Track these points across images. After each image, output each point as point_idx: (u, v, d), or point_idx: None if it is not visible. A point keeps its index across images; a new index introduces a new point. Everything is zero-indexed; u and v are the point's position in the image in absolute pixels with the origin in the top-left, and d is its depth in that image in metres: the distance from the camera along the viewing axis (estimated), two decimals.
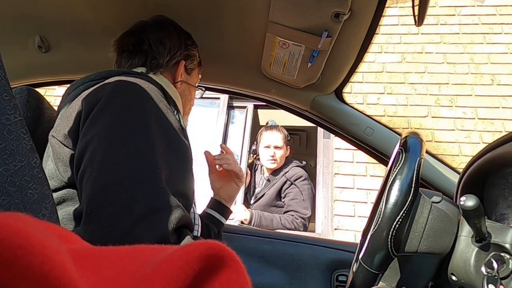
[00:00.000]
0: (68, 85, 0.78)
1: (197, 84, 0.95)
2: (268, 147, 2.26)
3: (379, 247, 0.51)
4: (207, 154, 0.96)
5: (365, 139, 1.03)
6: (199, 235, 0.78)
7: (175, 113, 0.70)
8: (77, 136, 0.60)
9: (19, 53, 1.06)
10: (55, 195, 0.61)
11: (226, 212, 0.93)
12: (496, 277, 0.45)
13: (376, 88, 2.66)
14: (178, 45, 0.84)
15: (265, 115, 3.19)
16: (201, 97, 0.99)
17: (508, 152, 0.50)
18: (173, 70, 0.84)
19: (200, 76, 0.96)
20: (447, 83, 2.58)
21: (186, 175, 0.63)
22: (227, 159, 0.94)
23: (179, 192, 0.58)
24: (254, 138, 2.63)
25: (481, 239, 0.49)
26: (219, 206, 0.92)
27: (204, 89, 0.99)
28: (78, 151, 0.58)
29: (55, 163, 0.62)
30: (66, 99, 0.73)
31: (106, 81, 0.65)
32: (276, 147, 2.24)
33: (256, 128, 2.88)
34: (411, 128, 2.49)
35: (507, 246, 0.46)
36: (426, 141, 1.21)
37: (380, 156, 1.04)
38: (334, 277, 1.03)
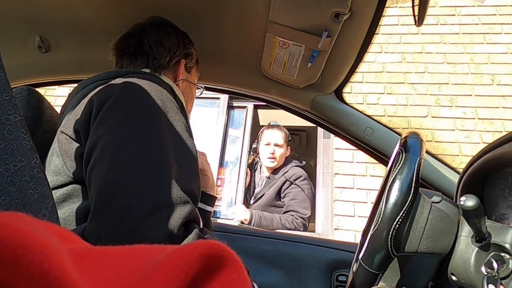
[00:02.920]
0: (68, 85, 0.79)
1: (197, 83, 0.96)
2: (268, 144, 2.26)
3: (379, 247, 0.51)
4: None
5: (365, 139, 1.03)
6: None
7: (183, 112, 0.71)
8: (87, 131, 0.61)
9: (19, 53, 1.06)
10: (61, 191, 0.61)
11: (209, 200, 0.90)
12: (496, 277, 0.44)
13: (376, 88, 2.65)
14: (177, 45, 0.85)
15: (265, 115, 3.19)
16: (201, 97, 1.00)
17: (508, 152, 0.50)
18: (174, 70, 0.86)
19: (198, 74, 0.97)
20: (447, 83, 2.58)
21: (194, 174, 0.64)
22: None
23: (187, 189, 0.58)
24: (254, 138, 2.63)
25: (481, 239, 0.49)
26: (202, 195, 0.92)
27: (203, 87, 1.00)
28: (88, 145, 0.58)
29: (62, 159, 0.63)
30: (74, 97, 0.74)
31: (117, 81, 0.66)
32: (276, 145, 2.25)
33: (256, 128, 2.88)
34: (411, 128, 2.49)
35: (507, 246, 0.46)
36: (426, 141, 1.21)
37: (380, 156, 1.04)
38: (334, 277, 1.03)
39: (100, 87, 0.66)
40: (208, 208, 0.90)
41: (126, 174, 0.53)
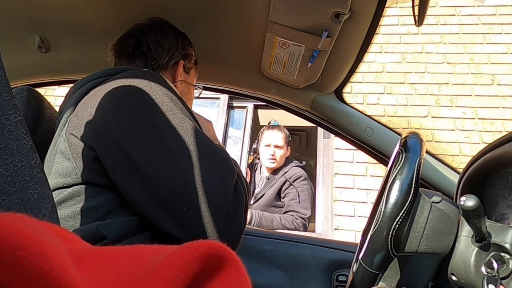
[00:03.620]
0: (68, 85, 0.78)
1: (195, 83, 0.96)
2: (268, 145, 2.26)
3: (379, 247, 0.51)
4: None
5: (365, 139, 1.03)
6: None
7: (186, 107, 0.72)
8: (107, 140, 0.60)
9: (19, 53, 1.06)
10: (68, 190, 0.61)
11: None
12: (496, 277, 0.44)
13: (376, 88, 2.65)
14: (175, 46, 0.85)
15: (265, 115, 3.19)
16: (201, 97, 1.00)
17: (508, 152, 0.50)
18: (173, 70, 0.86)
19: (197, 74, 0.97)
20: (447, 83, 2.58)
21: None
22: None
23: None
24: (254, 138, 2.63)
25: (481, 239, 0.49)
26: None
27: (202, 87, 1.00)
28: (134, 157, 0.57)
29: (75, 162, 0.62)
30: (71, 97, 0.73)
31: (124, 83, 0.65)
32: (276, 146, 2.24)
33: (256, 128, 2.88)
34: (411, 128, 2.49)
35: (507, 246, 0.46)
36: (426, 141, 1.21)
37: (380, 156, 1.04)
38: (334, 277, 1.03)
39: (107, 89, 0.65)
40: None
41: (199, 171, 0.57)
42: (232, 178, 0.60)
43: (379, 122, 1.02)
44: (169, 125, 0.60)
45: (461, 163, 2.30)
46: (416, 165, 0.52)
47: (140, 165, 0.56)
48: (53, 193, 0.60)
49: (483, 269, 0.47)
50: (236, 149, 2.74)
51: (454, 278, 0.53)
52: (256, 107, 2.92)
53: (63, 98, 0.79)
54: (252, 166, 2.57)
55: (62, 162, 0.64)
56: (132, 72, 0.69)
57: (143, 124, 0.59)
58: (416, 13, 0.66)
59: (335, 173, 2.51)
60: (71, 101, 0.72)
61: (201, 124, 0.72)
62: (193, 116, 0.69)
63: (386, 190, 0.52)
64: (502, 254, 0.47)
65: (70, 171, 0.62)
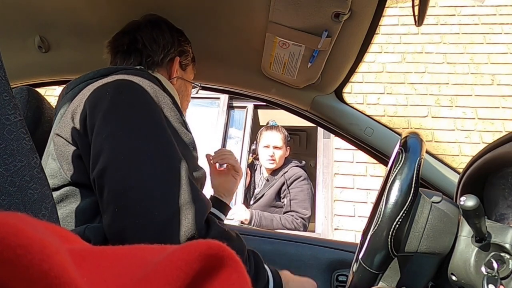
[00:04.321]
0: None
1: (193, 81, 0.96)
2: (267, 146, 2.26)
3: (379, 247, 0.51)
4: (207, 156, 1.00)
5: (365, 139, 1.03)
6: None
7: (176, 107, 0.71)
8: (84, 135, 0.60)
9: (19, 53, 1.06)
10: (57, 193, 0.61)
11: (225, 209, 0.95)
12: (496, 277, 0.44)
13: (376, 88, 2.65)
14: (171, 42, 0.85)
15: (265, 115, 3.19)
16: (201, 97, 1.00)
17: (508, 152, 0.50)
18: (169, 67, 0.85)
19: (194, 72, 0.97)
20: (447, 83, 2.58)
21: (197, 166, 0.66)
22: (222, 154, 0.97)
23: (198, 183, 0.61)
24: (254, 138, 2.63)
25: (481, 239, 0.49)
26: (218, 203, 0.94)
27: (199, 85, 1.00)
28: (93, 150, 0.57)
29: (58, 162, 0.62)
30: (64, 98, 0.73)
31: (108, 80, 0.66)
32: (275, 147, 2.24)
33: (256, 128, 2.88)
34: (411, 128, 2.49)
35: (507, 246, 0.46)
36: (426, 141, 1.21)
37: (380, 156, 1.04)
38: (334, 277, 1.03)
39: (92, 89, 0.65)
40: (222, 217, 0.93)
41: (145, 177, 0.53)
42: (175, 192, 0.54)
43: (379, 122, 1.02)
44: (134, 125, 0.58)
45: (461, 163, 2.30)
46: (416, 165, 0.52)
47: (95, 162, 0.56)
48: None
49: (483, 269, 0.47)
50: (236, 149, 2.74)
51: (454, 278, 0.53)
52: (256, 107, 2.92)
53: None
54: (252, 166, 2.57)
55: (51, 163, 0.64)
56: (123, 71, 0.69)
57: (112, 121, 0.59)
58: (416, 13, 0.66)
59: (335, 173, 2.51)
60: (64, 101, 0.72)
61: None
62: (180, 113, 0.68)
63: (386, 190, 0.52)
64: (502, 254, 0.47)
65: (56, 172, 0.62)
